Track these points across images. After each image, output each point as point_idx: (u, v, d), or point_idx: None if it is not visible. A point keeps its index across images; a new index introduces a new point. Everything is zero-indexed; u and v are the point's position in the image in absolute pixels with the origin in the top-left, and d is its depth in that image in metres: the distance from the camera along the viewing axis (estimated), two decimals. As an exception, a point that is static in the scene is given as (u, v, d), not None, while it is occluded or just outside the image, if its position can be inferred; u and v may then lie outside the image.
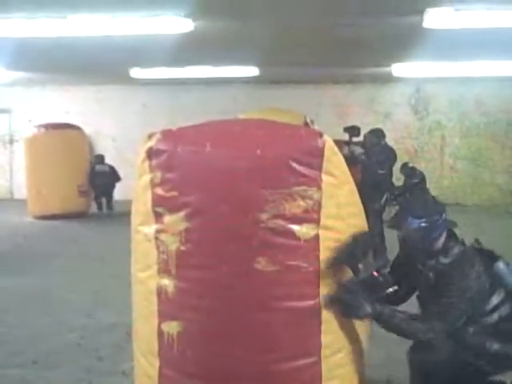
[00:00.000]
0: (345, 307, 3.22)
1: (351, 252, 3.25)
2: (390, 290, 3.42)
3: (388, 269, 3.40)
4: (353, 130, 9.91)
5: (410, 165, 13.36)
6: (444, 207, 3.63)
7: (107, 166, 14.34)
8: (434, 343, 3.43)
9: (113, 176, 14.17)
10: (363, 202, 3.77)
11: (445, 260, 3.52)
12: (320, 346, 3.17)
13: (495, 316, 3.48)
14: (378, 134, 9.24)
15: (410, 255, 3.68)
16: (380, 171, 8.80)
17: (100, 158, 14.47)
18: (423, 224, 3.46)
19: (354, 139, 9.56)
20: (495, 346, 3.49)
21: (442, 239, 3.56)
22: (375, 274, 3.28)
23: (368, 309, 3.27)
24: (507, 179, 15.73)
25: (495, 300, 3.50)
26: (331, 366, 3.23)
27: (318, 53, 10.85)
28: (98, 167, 14.25)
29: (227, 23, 8.40)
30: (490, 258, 3.61)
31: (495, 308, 3.50)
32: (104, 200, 14.27)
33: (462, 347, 3.50)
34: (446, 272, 3.47)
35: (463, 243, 3.65)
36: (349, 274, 3.31)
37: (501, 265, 3.59)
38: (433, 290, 3.52)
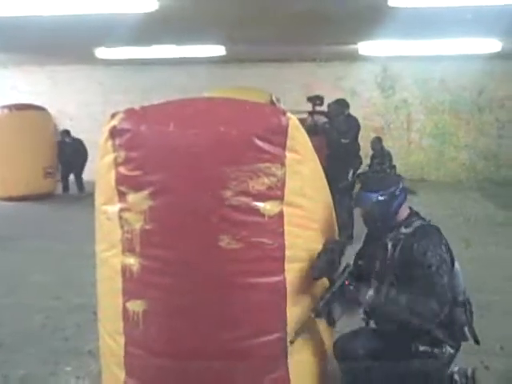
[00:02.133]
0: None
1: (331, 262, 3.32)
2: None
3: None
4: (316, 99, 9.73)
5: (382, 143, 13.35)
6: (400, 178, 3.65)
7: (76, 140, 14.28)
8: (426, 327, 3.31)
9: (82, 149, 14.05)
10: (330, 179, 3.80)
11: (406, 230, 3.47)
12: (286, 321, 3.20)
13: None
14: (342, 103, 9.14)
15: (372, 231, 3.69)
16: (343, 140, 8.71)
17: (66, 132, 14.36)
18: (381, 197, 3.46)
19: (318, 108, 9.51)
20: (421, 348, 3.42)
21: (403, 212, 3.56)
22: (346, 283, 3.33)
23: (370, 292, 3.31)
24: (471, 155, 15.96)
25: None
26: (297, 341, 3.26)
27: (284, 31, 10.80)
28: (67, 139, 14.21)
29: (192, 2, 8.32)
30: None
31: None
32: (73, 178, 14.14)
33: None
34: (407, 242, 3.39)
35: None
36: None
37: (457, 265, 3.49)
38: (392, 265, 3.44)
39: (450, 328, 3.41)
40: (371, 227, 3.66)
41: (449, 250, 3.43)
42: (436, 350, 3.39)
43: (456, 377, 3.51)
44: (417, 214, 3.61)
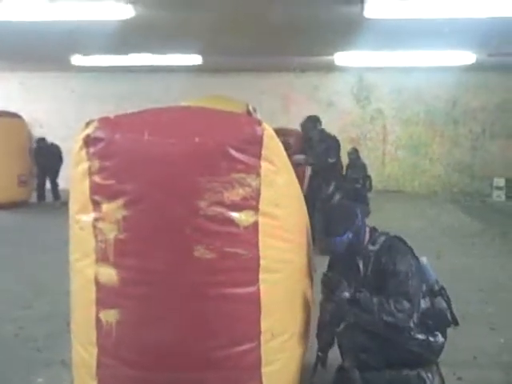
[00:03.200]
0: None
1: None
2: None
3: None
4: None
5: (359, 154, 13.32)
6: (356, 206, 3.93)
7: (51, 146, 14.09)
8: (401, 325, 3.55)
9: (57, 154, 13.87)
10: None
11: (373, 247, 3.72)
12: (260, 331, 3.18)
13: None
14: (312, 119, 9.22)
15: (343, 259, 3.88)
16: (330, 160, 8.79)
17: (43, 140, 14.18)
18: (350, 235, 3.68)
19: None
20: (418, 336, 3.67)
21: (367, 232, 3.80)
22: None
23: (346, 294, 3.59)
24: (445, 167, 16.11)
25: None
26: (271, 351, 3.26)
27: (260, 41, 10.85)
28: (43, 143, 14.03)
29: (169, 10, 8.32)
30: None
31: None
32: (49, 186, 13.96)
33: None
34: (377, 258, 3.68)
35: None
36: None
37: (424, 259, 3.84)
38: (368, 283, 3.68)
39: (436, 317, 3.71)
40: (345, 259, 3.86)
41: (413, 253, 3.73)
42: (431, 338, 3.67)
43: (423, 374, 3.74)
44: (375, 229, 3.88)
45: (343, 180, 12.10)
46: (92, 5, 7.55)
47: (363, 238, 3.76)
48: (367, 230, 3.82)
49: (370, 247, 3.73)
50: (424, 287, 3.71)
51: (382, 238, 3.76)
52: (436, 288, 3.79)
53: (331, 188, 8.91)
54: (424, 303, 3.69)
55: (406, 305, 3.49)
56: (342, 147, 9.62)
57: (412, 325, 3.58)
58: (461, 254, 8.48)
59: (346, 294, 3.59)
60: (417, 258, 3.76)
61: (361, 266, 3.74)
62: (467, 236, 10.01)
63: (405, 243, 3.79)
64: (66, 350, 4.00)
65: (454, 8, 7.64)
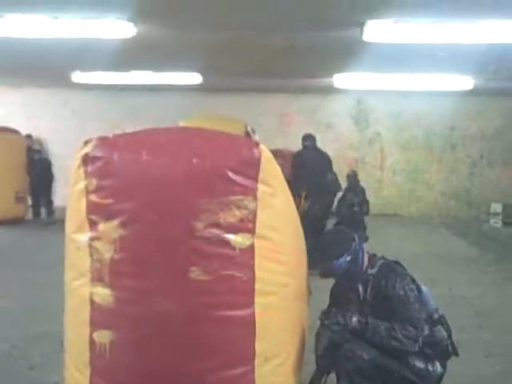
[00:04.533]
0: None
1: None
2: None
3: None
4: None
5: (358, 178, 13.22)
6: (352, 233, 3.91)
7: (45, 159, 14.11)
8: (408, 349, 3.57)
9: (48, 167, 13.89)
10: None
11: (371, 271, 3.74)
12: (254, 354, 3.17)
13: None
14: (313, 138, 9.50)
15: (343, 284, 3.90)
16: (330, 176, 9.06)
17: (37, 151, 14.12)
18: (348, 258, 3.70)
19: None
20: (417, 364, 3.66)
21: (365, 257, 3.81)
22: None
23: (355, 318, 3.59)
24: (443, 191, 16.10)
25: None
26: (266, 375, 3.25)
27: (260, 63, 10.90)
28: (37, 156, 14.06)
29: (170, 29, 8.36)
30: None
31: None
32: (43, 202, 13.91)
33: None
34: (376, 281, 3.69)
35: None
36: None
37: (424, 287, 3.84)
38: (367, 305, 3.70)
39: (436, 346, 3.70)
40: (345, 284, 3.87)
41: (412, 279, 3.76)
42: (430, 367, 3.67)
43: None
44: (374, 254, 3.91)
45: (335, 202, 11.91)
46: (94, 23, 7.59)
47: (361, 262, 3.76)
48: (366, 255, 3.83)
49: (369, 271, 3.75)
50: (423, 315, 3.69)
51: (380, 262, 3.79)
52: (436, 316, 3.78)
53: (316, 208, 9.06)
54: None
55: (413, 331, 3.53)
56: (339, 170, 9.74)
57: (417, 349, 3.58)
58: (456, 280, 8.44)
59: (354, 319, 3.60)
60: (417, 284, 3.77)
61: (360, 290, 3.75)
62: (463, 261, 9.98)
63: (403, 268, 3.82)
64: (59, 370, 3.96)
65: (452, 34, 7.69)
